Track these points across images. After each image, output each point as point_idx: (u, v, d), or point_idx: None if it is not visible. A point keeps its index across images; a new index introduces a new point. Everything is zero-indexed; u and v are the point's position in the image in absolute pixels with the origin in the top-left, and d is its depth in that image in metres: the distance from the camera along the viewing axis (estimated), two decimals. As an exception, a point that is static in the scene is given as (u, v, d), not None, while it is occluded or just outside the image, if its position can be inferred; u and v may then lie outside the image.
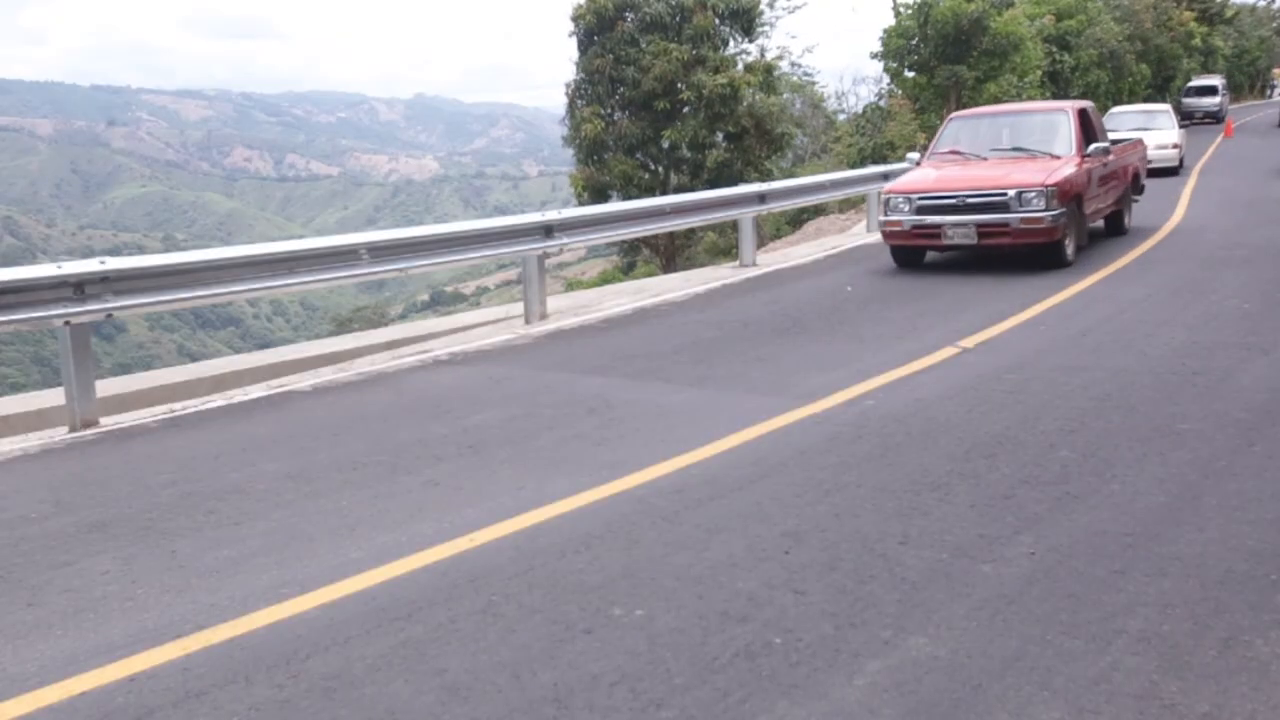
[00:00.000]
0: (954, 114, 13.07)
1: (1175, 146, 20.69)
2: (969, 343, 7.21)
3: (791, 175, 22.66)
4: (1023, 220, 9.95)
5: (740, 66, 21.30)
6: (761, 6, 21.67)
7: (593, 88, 20.43)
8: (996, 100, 24.19)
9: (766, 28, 22.06)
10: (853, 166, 21.01)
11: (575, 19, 20.50)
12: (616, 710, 2.83)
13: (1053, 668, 2.93)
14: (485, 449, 5.33)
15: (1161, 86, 40.03)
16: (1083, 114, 11.72)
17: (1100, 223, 12.35)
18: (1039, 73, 25.77)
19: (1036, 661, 2.97)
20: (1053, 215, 9.91)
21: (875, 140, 22.54)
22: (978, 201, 10.16)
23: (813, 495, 4.39)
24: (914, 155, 12.98)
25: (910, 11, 23.93)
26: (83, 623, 3.57)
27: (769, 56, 22.26)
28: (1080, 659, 2.97)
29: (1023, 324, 7.81)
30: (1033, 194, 9.95)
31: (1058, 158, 10.76)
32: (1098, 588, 3.41)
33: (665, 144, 20.85)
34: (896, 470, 4.65)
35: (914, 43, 23.82)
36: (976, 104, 23.94)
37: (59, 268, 6.38)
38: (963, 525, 3.98)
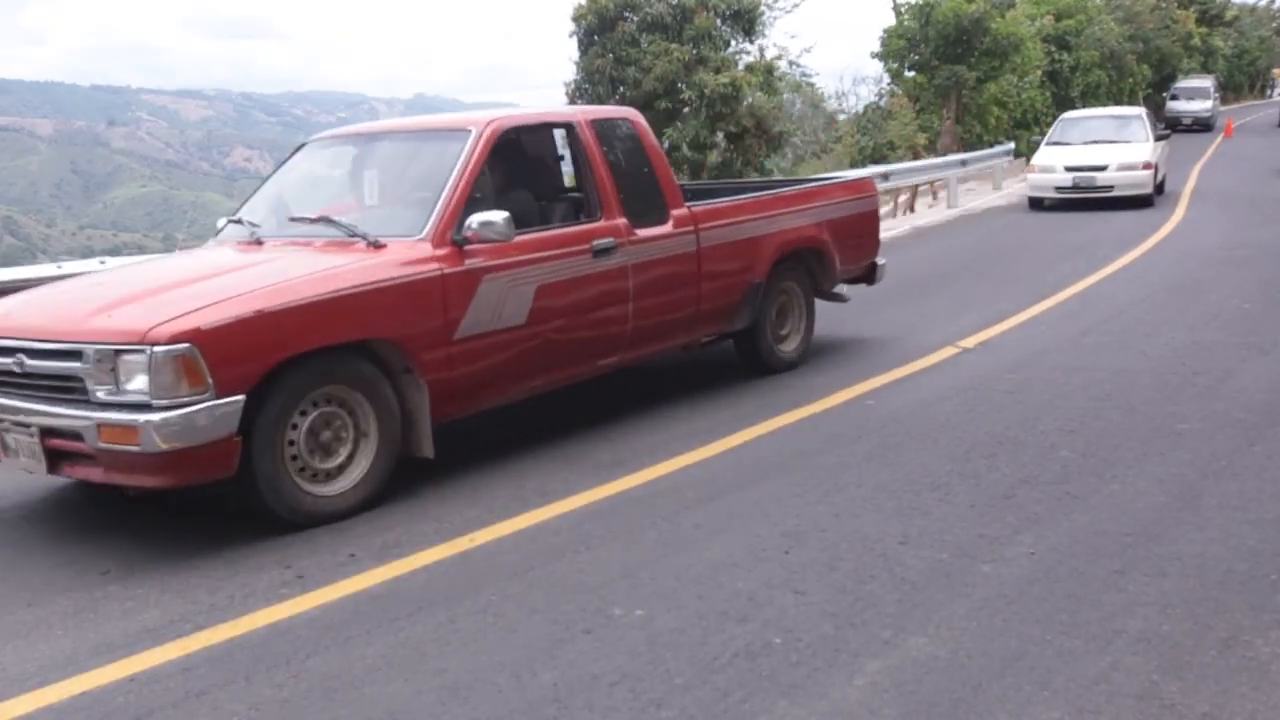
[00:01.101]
0: (316, 136, 6.52)
1: (1146, 167, 15.31)
2: (969, 343, 7.21)
3: (791, 175, 22.66)
4: (105, 430, 3.98)
5: (741, 66, 21.30)
6: (762, 6, 21.68)
7: (593, 88, 20.42)
8: (998, 101, 24.16)
9: (764, 26, 22.05)
10: (853, 166, 21.01)
11: (576, 19, 20.50)
12: (616, 710, 2.83)
13: (1053, 668, 2.93)
14: (485, 449, 5.33)
15: (1161, 86, 39.39)
16: (505, 139, 5.35)
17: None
18: (1039, 73, 25.76)
19: (1036, 661, 2.97)
20: (157, 428, 3.89)
21: (876, 140, 22.52)
22: (26, 370, 4.29)
23: (813, 495, 4.39)
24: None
25: (911, 12, 23.92)
26: (83, 623, 3.57)
27: (768, 56, 22.27)
28: (1080, 659, 2.97)
29: (1023, 324, 7.82)
30: (130, 356, 3.99)
31: (379, 248, 4.78)
32: (1098, 588, 3.42)
33: (665, 144, 20.86)
34: (896, 470, 4.65)
35: (915, 43, 23.82)
36: (977, 104, 23.92)
37: (59, 268, 6.40)
38: (963, 525, 3.99)
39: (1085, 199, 15.50)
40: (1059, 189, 15.67)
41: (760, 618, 3.31)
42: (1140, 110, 17.55)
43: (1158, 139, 16.27)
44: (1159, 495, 4.23)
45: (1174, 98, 36.35)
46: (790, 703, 2.82)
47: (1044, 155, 16.41)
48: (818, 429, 5.38)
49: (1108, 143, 16.07)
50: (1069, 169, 15.62)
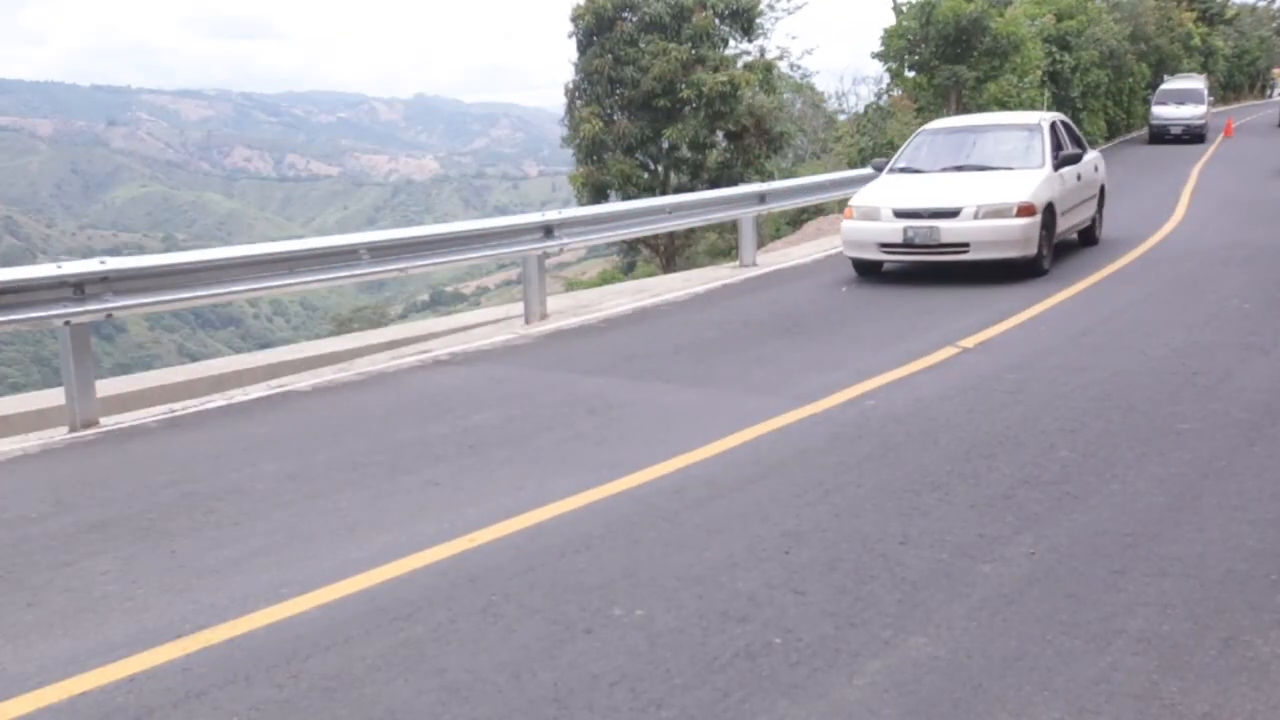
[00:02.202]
0: None
1: (1026, 211, 9.45)
2: (969, 343, 7.21)
3: (791, 175, 22.67)
4: None
5: (740, 66, 21.32)
6: (761, 6, 21.69)
7: (592, 88, 20.43)
8: (998, 101, 24.15)
9: (765, 28, 22.07)
10: (853, 166, 21.01)
11: (575, 19, 20.51)
12: (616, 710, 2.83)
13: (1053, 668, 2.93)
14: (485, 449, 5.34)
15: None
16: None
17: None
18: (1039, 73, 25.76)
19: (1036, 661, 2.97)
20: None
21: (876, 140, 22.53)
22: None
23: (813, 495, 4.39)
24: None
25: (910, 11, 23.92)
26: (83, 623, 3.57)
27: (769, 57, 22.30)
28: (1080, 659, 2.97)
29: (1023, 324, 7.82)
30: None
31: None
32: (1098, 588, 3.42)
33: (665, 143, 20.87)
34: (896, 470, 4.65)
35: (915, 43, 23.82)
36: (977, 104, 23.91)
37: (59, 268, 6.37)
38: (963, 525, 3.99)
39: (927, 264, 10.10)
40: (885, 246, 9.88)
41: (760, 618, 3.31)
42: (1043, 118, 11.30)
43: (1063, 162, 10.46)
44: (1159, 495, 4.23)
45: (1160, 102, 29.83)
46: (790, 703, 2.82)
47: (869, 192, 10.49)
48: (818, 429, 5.38)
49: (979, 169, 10.45)
50: (900, 214, 9.74)
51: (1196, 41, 42.91)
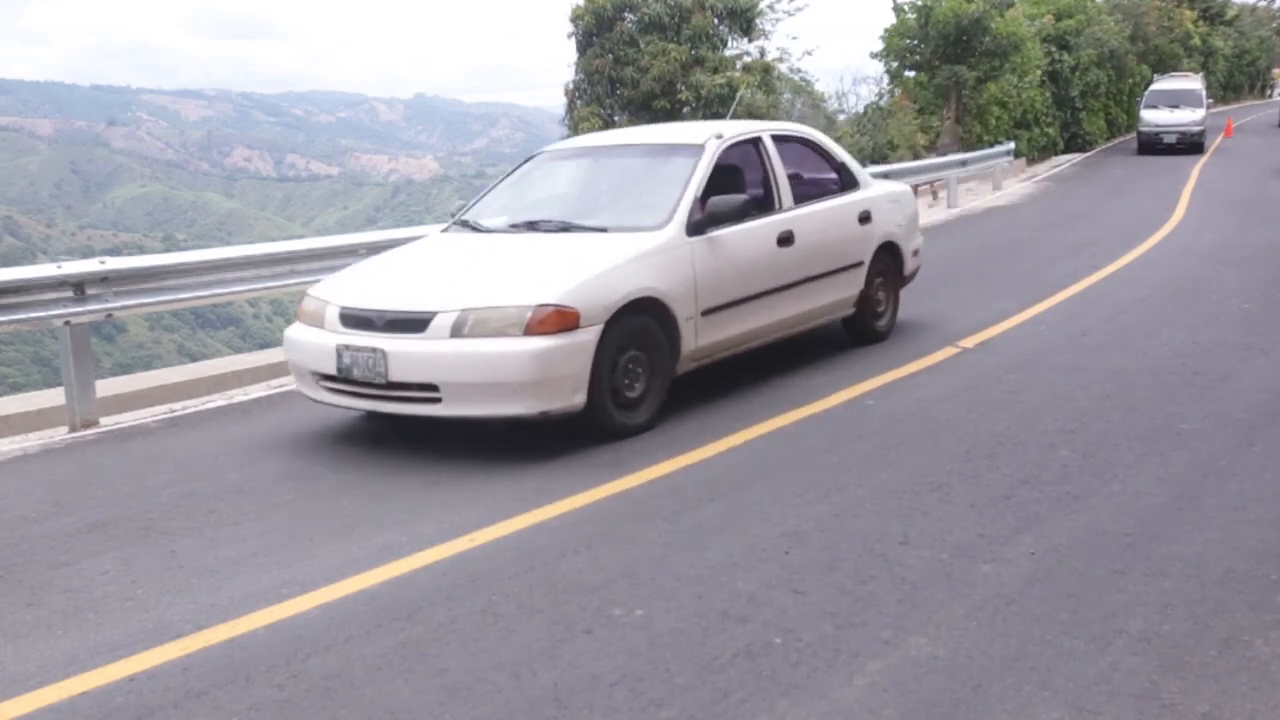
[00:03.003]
0: None
1: (547, 326, 4.95)
2: (969, 343, 7.21)
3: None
4: None
5: (739, 67, 21.32)
6: (761, 7, 21.69)
7: (592, 88, 20.43)
8: (998, 101, 24.16)
9: (766, 30, 22.06)
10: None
11: (574, 19, 20.50)
12: (616, 710, 2.83)
13: (1053, 668, 2.93)
14: (487, 448, 5.33)
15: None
16: None
17: None
18: (1039, 72, 25.76)
19: (1036, 661, 2.97)
20: None
21: (876, 140, 22.51)
22: None
23: (813, 495, 4.39)
24: None
25: (911, 12, 23.93)
26: (83, 623, 3.56)
27: (769, 58, 22.29)
28: (1080, 659, 2.97)
29: (1023, 324, 7.82)
30: None
31: None
32: (1098, 588, 3.42)
33: (665, 144, 20.87)
34: (896, 470, 4.65)
35: (914, 43, 23.82)
36: (977, 104, 23.93)
37: (59, 268, 6.37)
38: (963, 525, 3.99)
39: (386, 417, 5.69)
40: (322, 379, 5.51)
41: (760, 618, 3.31)
42: (718, 134, 6.35)
43: (726, 217, 5.86)
44: (1159, 495, 4.23)
45: (1150, 105, 26.44)
46: (790, 703, 2.82)
47: (343, 275, 6.20)
48: (818, 429, 5.38)
49: (562, 229, 6.02)
50: (347, 319, 5.42)
51: (1196, 41, 42.86)
